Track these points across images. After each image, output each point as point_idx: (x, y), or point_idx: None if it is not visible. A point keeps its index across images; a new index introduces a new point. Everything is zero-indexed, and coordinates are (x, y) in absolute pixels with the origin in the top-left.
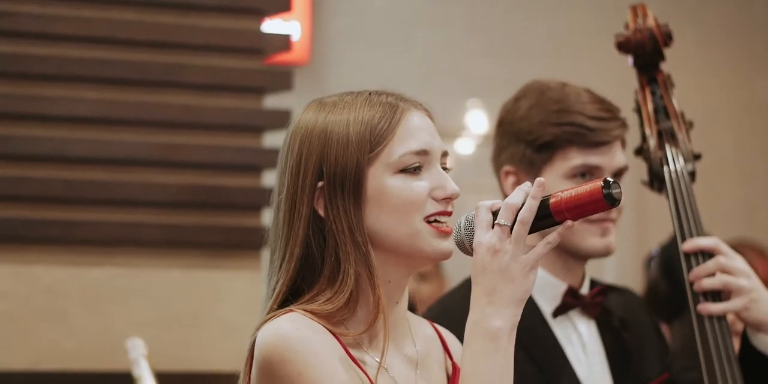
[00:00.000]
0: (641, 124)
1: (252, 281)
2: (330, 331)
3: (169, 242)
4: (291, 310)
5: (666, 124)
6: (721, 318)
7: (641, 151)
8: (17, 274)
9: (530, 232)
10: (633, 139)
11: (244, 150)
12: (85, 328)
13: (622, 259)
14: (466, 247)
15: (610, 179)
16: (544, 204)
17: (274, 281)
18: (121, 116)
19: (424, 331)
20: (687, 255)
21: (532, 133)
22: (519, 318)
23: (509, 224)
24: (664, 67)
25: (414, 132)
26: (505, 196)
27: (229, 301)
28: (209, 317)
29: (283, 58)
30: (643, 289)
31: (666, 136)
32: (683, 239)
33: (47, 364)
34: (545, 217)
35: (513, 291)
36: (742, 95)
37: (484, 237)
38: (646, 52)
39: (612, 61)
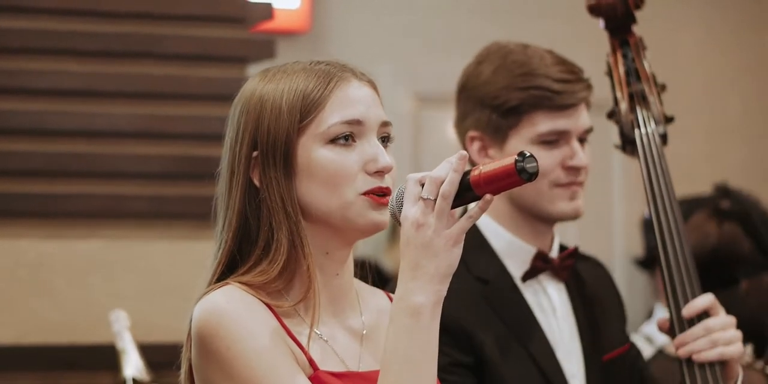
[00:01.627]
0: (613, 87)
1: None
2: (265, 303)
3: (155, 214)
4: (227, 283)
5: (637, 86)
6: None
7: (613, 115)
8: (1, 248)
9: (455, 206)
10: (607, 102)
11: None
12: (70, 301)
13: (629, 224)
14: (398, 219)
15: (527, 153)
16: (465, 177)
17: (215, 250)
18: (103, 88)
19: (376, 302)
20: (659, 219)
21: (498, 98)
22: (444, 294)
23: (433, 198)
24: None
25: (347, 101)
26: (471, 162)
27: None
28: (194, 288)
29: (283, 26)
30: (643, 250)
31: (637, 99)
32: (654, 201)
33: (33, 337)
34: (467, 190)
35: (436, 266)
36: (749, 55)
37: (410, 211)
38: (617, 14)
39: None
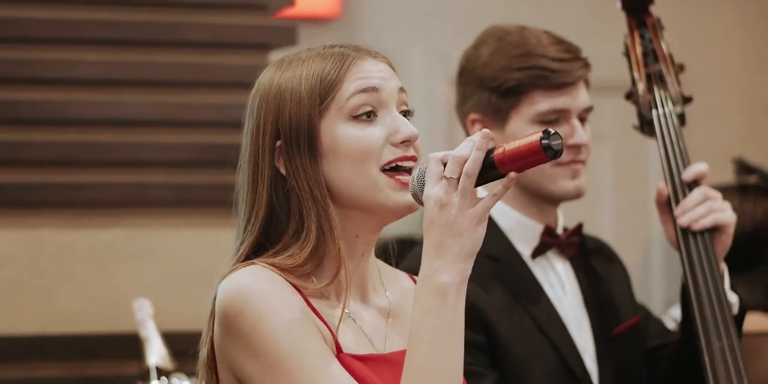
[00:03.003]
0: (630, 68)
1: None
2: (292, 284)
3: (177, 202)
4: (253, 263)
5: (655, 67)
6: (713, 259)
7: (631, 96)
8: (23, 238)
9: (478, 185)
10: (625, 83)
11: None
12: (93, 290)
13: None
14: (419, 198)
15: (551, 130)
16: (489, 156)
17: (239, 243)
18: (123, 77)
19: (401, 284)
20: (677, 198)
21: (496, 80)
22: (469, 272)
23: (456, 177)
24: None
25: (363, 75)
26: None
27: None
28: (218, 276)
29: (314, 12)
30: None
31: (655, 80)
32: (672, 181)
33: (56, 327)
34: (491, 168)
35: (461, 245)
36: None
37: (432, 190)
38: None
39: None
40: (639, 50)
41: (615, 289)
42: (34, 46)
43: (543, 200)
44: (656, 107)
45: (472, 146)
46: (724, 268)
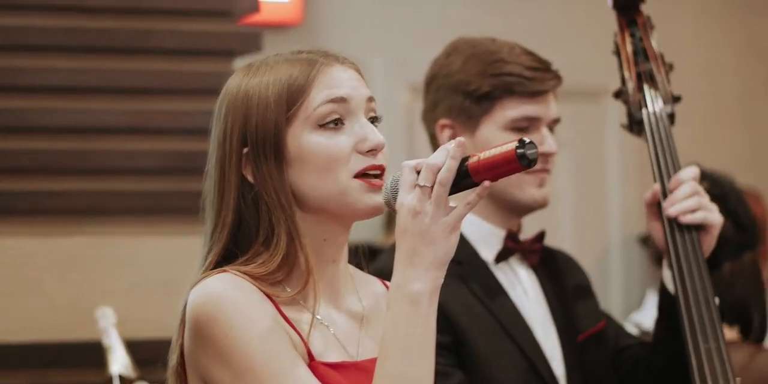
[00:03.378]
0: (620, 67)
1: None
2: (264, 292)
3: (142, 210)
4: (224, 270)
5: (645, 66)
6: (701, 261)
7: (620, 94)
8: None
9: (451, 193)
10: (614, 82)
11: None
12: (57, 298)
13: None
14: (393, 207)
15: (526, 139)
16: (463, 164)
17: (206, 250)
18: (89, 84)
19: (374, 288)
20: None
21: (471, 84)
22: (441, 281)
23: (430, 185)
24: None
25: (331, 83)
26: None
27: None
28: (182, 284)
29: (275, 19)
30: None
31: (645, 78)
32: (662, 181)
33: (19, 335)
34: (465, 177)
35: (434, 253)
36: (744, 37)
37: (406, 198)
38: None
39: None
40: (629, 49)
41: (578, 296)
42: (0, 53)
43: (508, 209)
44: (646, 106)
45: (446, 155)
46: None
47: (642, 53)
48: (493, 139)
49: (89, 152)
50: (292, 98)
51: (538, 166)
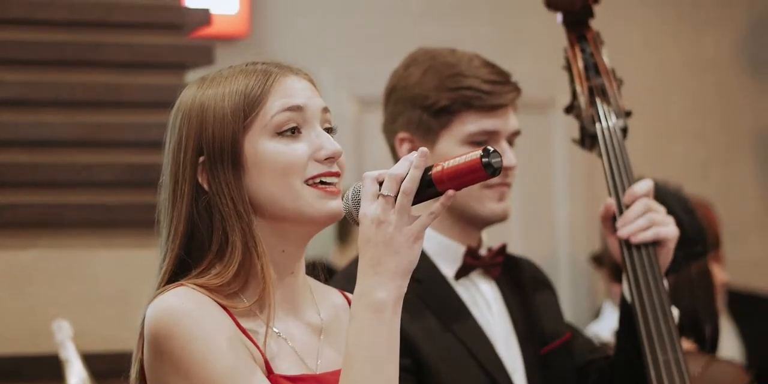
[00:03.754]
0: (572, 82)
1: None
2: (220, 304)
3: (95, 223)
4: (181, 285)
5: (597, 80)
6: (657, 273)
7: (572, 109)
8: None
9: (415, 203)
10: (561, 95)
11: (167, 127)
12: (12, 311)
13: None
14: (354, 217)
15: (491, 148)
16: (426, 174)
17: (161, 259)
18: (40, 97)
19: (331, 299)
20: (622, 211)
21: (428, 99)
22: (405, 290)
23: (393, 195)
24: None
25: (287, 92)
26: None
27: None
28: (137, 296)
29: (221, 32)
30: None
31: (597, 93)
32: (617, 195)
33: None
34: (428, 187)
35: (397, 262)
36: (692, 52)
37: (369, 208)
38: (575, 9)
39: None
40: (580, 64)
41: (543, 307)
42: None
43: (468, 222)
44: (600, 121)
45: (409, 165)
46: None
47: (593, 68)
48: (452, 153)
49: (41, 165)
50: (249, 107)
51: (497, 180)
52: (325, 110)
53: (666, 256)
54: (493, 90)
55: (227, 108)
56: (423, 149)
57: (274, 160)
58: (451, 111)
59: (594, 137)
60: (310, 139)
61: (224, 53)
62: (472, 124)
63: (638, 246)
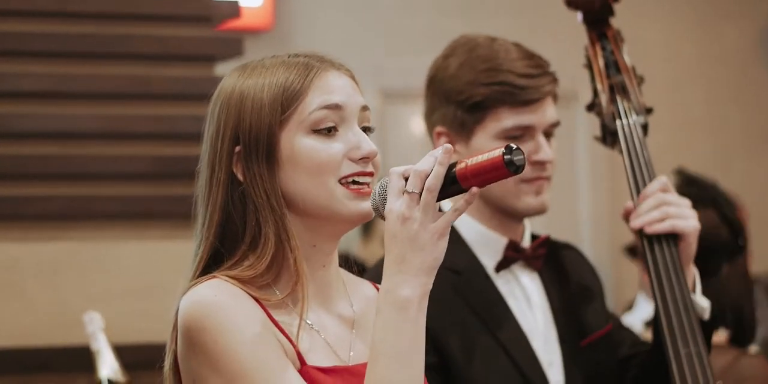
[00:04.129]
0: (592, 80)
1: None
2: (253, 297)
3: (125, 214)
4: (214, 277)
5: (617, 78)
6: (678, 267)
7: (593, 107)
8: None
9: (439, 199)
10: (586, 95)
11: (197, 119)
12: (41, 303)
13: (596, 217)
14: (381, 213)
15: (513, 146)
16: (451, 170)
17: (195, 247)
18: (69, 90)
19: (364, 292)
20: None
21: (462, 94)
22: (430, 287)
23: (418, 191)
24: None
25: (327, 89)
26: None
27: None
28: (168, 288)
29: (246, 24)
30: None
31: (617, 91)
32: (638, 192)
33: (5, 340)
34: (452, 183)
35: (422, 259)
36: (712, 45)
37: (395, 204)
38: (595, 7)
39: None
40: (601, 62)
41: (585, 298)
42: None
43: (506, 215)
44: (620, 118)
45: (434, 161)
46: (695, 273)
47: (613, 66)
48: (488, 148)
49: (71, 157)
50: (288, 102)
51: (534, 174)
52: (364, 109)
53: (688, 250)
54: (527, 84)
55: (266, 100)
56: (447, 146)
57: (309, 158)
58: (485, 107)
59: (615, 134)
60: (347, 137)
61: (249, 45)
62: (506, 119)
63: (659, 240)
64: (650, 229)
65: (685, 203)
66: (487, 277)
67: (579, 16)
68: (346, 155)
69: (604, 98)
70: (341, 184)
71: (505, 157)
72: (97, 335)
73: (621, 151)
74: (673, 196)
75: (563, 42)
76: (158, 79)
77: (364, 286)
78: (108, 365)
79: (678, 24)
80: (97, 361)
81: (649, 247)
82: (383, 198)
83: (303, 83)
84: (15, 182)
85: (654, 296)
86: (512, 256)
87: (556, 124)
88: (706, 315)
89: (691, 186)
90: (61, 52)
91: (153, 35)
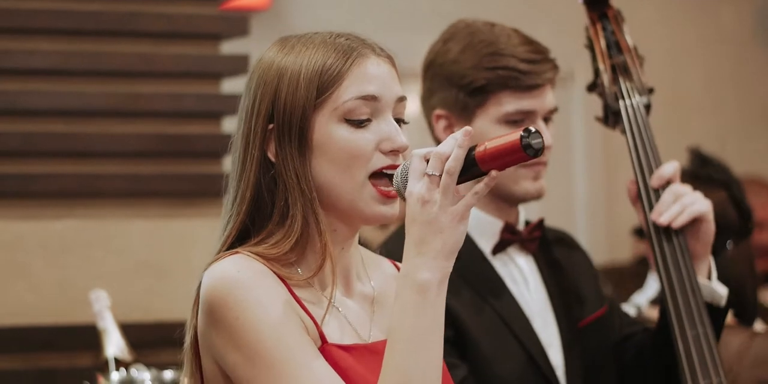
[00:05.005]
0: (594, 60)
1: (215, 229)
2: (277, 275)
3: (130, 192)
4: (237, 252)
5: (619, 58)
6: (684, 249)
7: (594, 87)
8: None
9: (460, 182)
10: (583, 76)
11: (202, 97)
12: (47, 281)
13: (592, 199)
14: (403, 195)
15: (532, 129)
16: (470, 153)
17: (225, 222)
18: (76, 67)
19: (383, 269)
20: (647, 187)
21: (465, 78)
22: (449, 270)
23: (438, 174)
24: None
25: (364, 78)
26: (437, 140)
27: (192, 250)
28: (173, 266)
29: (242, 3)
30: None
31: (620, 71)
32: (642, 172)
33: (10, 318)
34: (472, 166)
35: (442, 242)
36: (709, 25)
37: (415, 187)
38: None
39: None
40: (602, 42)
41: (580, 281)
42: None
43: (503, 200)
44: (623, 98)
45: (454, 143)
46: (710, 259)
47: (615, 46)
48: (488, 131)
49: (77, 135)
50: (324, 86)
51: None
52: (401, 99)
53: (708, 230)
54: (530, 69)
55: (302, 82)
56: (467, 128)
57: (339, 147)
58: (487, 90)
59: (617, 115)
60: (379, 128)
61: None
62: (508, 104)
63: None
64: (676, 224)
65: (688, 189)
66: (484, 260)
67: None
68: (377, 147)
69: (606, 78)
70: (370, 180)
71: (523, 140)
72: (103, 313)
73: (624, 132)
74: (682, 186)
75: (559, 22)
76: (164, 57)
77: (384, 263)
78: (114, 344)
79: (675, 4)
80: (103, 339)
81: (655, 230)
82: (405, 180)
83: (341, 68)
84: (21, 160)
85: (660, 278)
86: (508, 238)
87: (554, 110)
88: (723, 302)
89: (704, 166)
90: (68, 29)
91: (159, 13)
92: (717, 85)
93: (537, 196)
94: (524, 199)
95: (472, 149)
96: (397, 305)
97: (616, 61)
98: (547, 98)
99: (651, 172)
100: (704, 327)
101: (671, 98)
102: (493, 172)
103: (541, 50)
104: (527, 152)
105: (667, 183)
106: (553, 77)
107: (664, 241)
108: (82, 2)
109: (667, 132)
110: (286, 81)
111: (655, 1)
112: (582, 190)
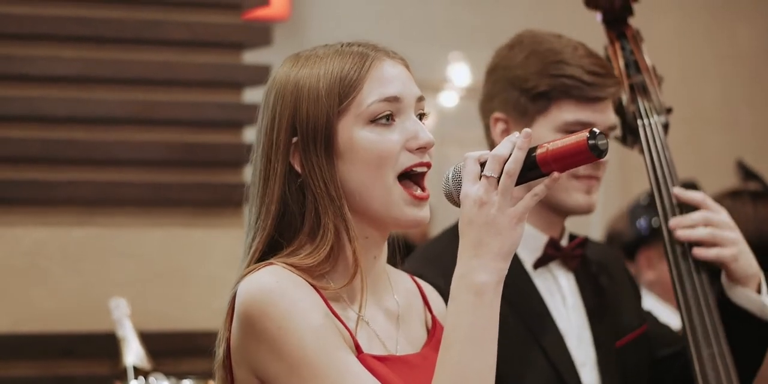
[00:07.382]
0: None
1: (235, 238)
2: (312, 285)
3: (151, 201)
4: (271, 263)
5: (638, 78)
6: (700, 267)
7: (613, 106)
8: None
9: (517, 184)
10: None
11: (224, 106)
12: (66, 288)
13: (606, 216)
14: (454, 198)
15: (597, 130)
16: (530, 155)
17: (251, 238)
18: (98, 75)
19: (405, 284)
20: (664, 206)
21: (529, 82)
22: (506, 272)
23: (496, 176)
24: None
25: (384, 80)
26: (492, 143)
27: (212, 259)
28: (192, 275)
29: (262, 13)
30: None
31: (638, 90)
32: (659, 192)
33: (28, 325)
34: (532, 168)
35: (500, 244)
36: (725, 42)
37: (471, 189)
38: (615, 8)
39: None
40: (621, 62)
41: (620, 299)
42: (9, 41)
43: (552, 211)
44: (641, 117)
45: (511, 146)
46: (761, 276)
47: (634, 66)
48: (545, 138)
49: (98, 142)
50: (345, 92)
51: (587, 172)
52: (420, 99)
53: (738, 270)
54: (594, 81)
55: (322, 90)
56: (527, 130)
57: (367, 150)
58: (549, 97)
59: (636, 134)
60: (404, 126)
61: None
62: (569, 113)
63: (683, 246)
64: (698, 255)
65: (730, 224)
66: (525, 274)
67: (598, 16)
68: (404, 145)
69: (624, 98)
70: (400, 182)
71: (590, 141)
72: (123, 321)
73: (642, 151)
74: (720, 216)
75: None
76: (186, 66)
77: (404, 278)
78: (134, 352)
79: (691, 22)
80: (122, 347)
81: (672, 250)
82: (457, 183)
83: (359, 73)
84: (41, 166)
85: (676, 297)
86: (551, 253)
87: (613, 128)
88: None
89: (751, 179)
90: (91, 36)
91: (182, 21)
92: (732, 101)
93: (587, 210)
94: (574, 211)
95: (531, 151)
96: (452, 306)
97: (634, 80)
98: (608, 113)
99: (669, 192)
100: (720, 346)
101: (687, 115)
102: (555, 174)
103: (605, 65)
104: (593, 153)
105: (687, 202)
106: (616, 93)
107: (679, 258)
108: (105, 10)
109: (682, 148)
110: (306, 92)
111: (672, 19)
112: (598, 206)
